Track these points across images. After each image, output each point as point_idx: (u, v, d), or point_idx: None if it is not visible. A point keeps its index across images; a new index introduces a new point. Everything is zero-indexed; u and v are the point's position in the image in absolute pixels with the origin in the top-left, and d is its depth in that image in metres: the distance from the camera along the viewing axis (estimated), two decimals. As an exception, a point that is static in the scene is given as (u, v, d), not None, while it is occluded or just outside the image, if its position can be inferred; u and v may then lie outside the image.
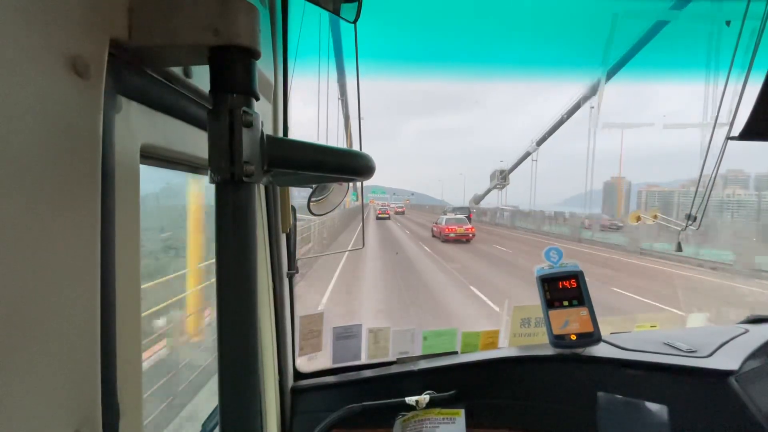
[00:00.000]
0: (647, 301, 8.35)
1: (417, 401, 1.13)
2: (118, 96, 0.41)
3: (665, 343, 1.18)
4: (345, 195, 1.28)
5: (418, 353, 1.33)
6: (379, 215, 36.17)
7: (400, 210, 54.62)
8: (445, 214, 23.81)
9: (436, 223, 20.85)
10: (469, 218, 25.79)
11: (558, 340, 1.17)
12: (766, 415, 0.95)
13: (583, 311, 1.18)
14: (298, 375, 1.26)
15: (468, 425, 1.13)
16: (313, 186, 1.18)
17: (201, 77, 0.55)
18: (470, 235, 18.60)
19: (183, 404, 2.59)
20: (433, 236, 20.18)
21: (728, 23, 1.13)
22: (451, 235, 18.30)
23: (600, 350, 1.17)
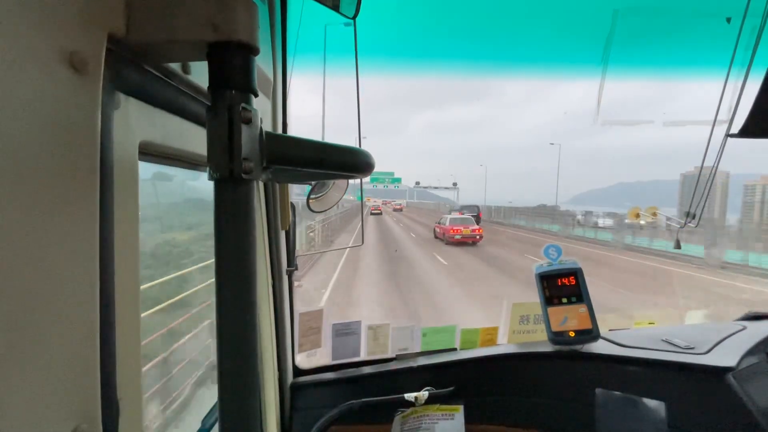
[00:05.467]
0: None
1: (416, 397, 1.13)
2: (117, 92, 0.41)
3: (663, 340, 1.19)
4: (344, 192, 1.28)
5: (418, 350, 1.34)
6: (372, 211, 43.27)
7: (397, 207, 58.45)
8: (450, 213, 21.77)
9: (439, 223, 19.05)
10: (478, 218, 24.03)
11: (557, 337, 1.17)
12: (764, 412, 0.96)
13: (582, 308, 1.19)
14: (298, 371, 1.27)
15: (467, 421, 1.14)
16: (313, 183, 1.18)
17: (200, 73, 0.54)
18: (477, 237, 17.07)
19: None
20: (436, 237, 18.73)
21: (728, 20, 1.12)
22: (456, 236, 16.68)
23: (598, 347, 1.18)
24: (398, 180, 66.39)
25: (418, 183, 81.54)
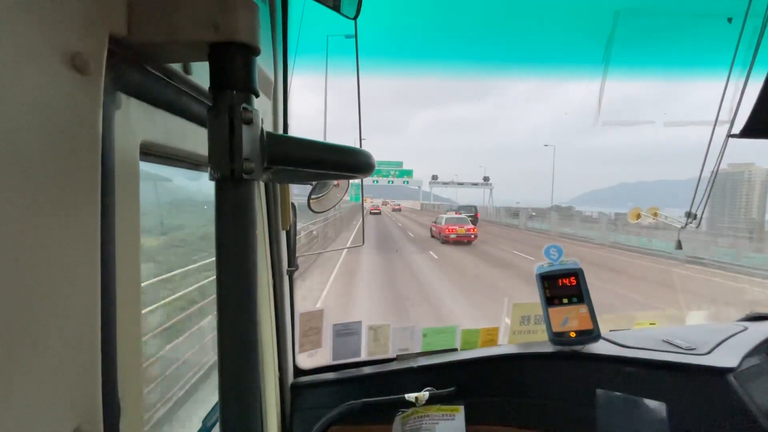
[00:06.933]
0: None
1: (417, 398, 1.13)
2: (118, 93, 0.41)
3: (664, 341, 1.19)
4: (345, 192, 1.28)
5: (418, 350, 1.34)
6: (372, 210, 43.22)
7: (396, 207, 60.91)
8: (446, 213, 22.00)
9: (435, 223, 19.42)
10: (475, 218, 24.25)
11: (557, 337, 1.17)
12: (765, 412, 0.95)
13: (583, 309, 1.18)
14: (298, 372, 1.27)
15: (467, 422, 1.14)
16: (313, 183, 1.18)
17: (201, 74, 0.55)
18: (472, 236, 17.23)
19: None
20: (432, 237, 18.89)
21: (730, 20, 1.12)
22: (452, 236, 16.93)
23: (599, 347, 1.18)
24: (408, 173, 49.11)
25: (435, 177, 58.31)
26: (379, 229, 23.18)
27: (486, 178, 56.30)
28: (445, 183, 59.82)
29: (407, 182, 51.43)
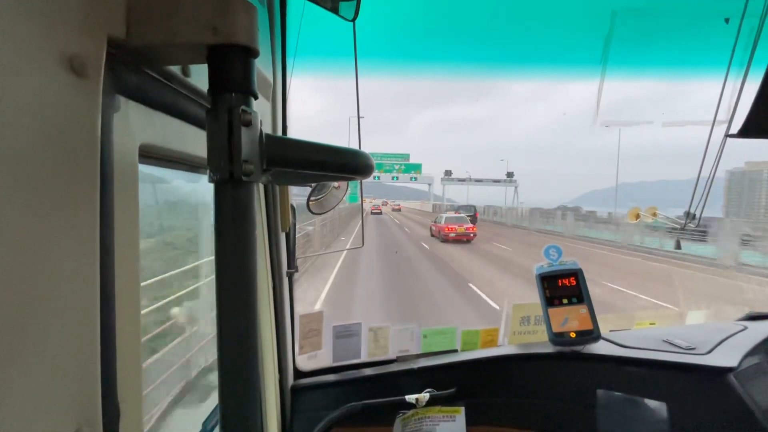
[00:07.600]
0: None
1: (417, 399, 1.13)
2: (117, 95, 0.41)
3: (664, 341, 1.19)
4: (345, 193, 1.28)
5: (418, 351, 1.33)
6: (373, 210, 40.87)
7: (396, 207, 60.15)
8: (445, 213, 22.60)
9: (435, 222, 19.82)
10: (474, 218, 24.75)
11: (558, 337, 1.17)
12: (765, 412, 0.95)
13: (583, 309, 1.18)
14: (299, 373, 1.27)
15: (468, 423, 1.14)
16: (313, 185, 1.18)
17: (200, 76, 0.55)
18: (471, 235, 17.57)
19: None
20: (432, 236, 19.21)
21: (727, 21, 1.13)
22: (452, 234, 17.26)
23: (599, 348, 1.18)
24: (416, 167, 41.33)
25: (448, 173, 50.28)
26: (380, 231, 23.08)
27: (510, 174, 49.18)
28: (460, 180, 51.23)
29: (415, 178, 43.43)
